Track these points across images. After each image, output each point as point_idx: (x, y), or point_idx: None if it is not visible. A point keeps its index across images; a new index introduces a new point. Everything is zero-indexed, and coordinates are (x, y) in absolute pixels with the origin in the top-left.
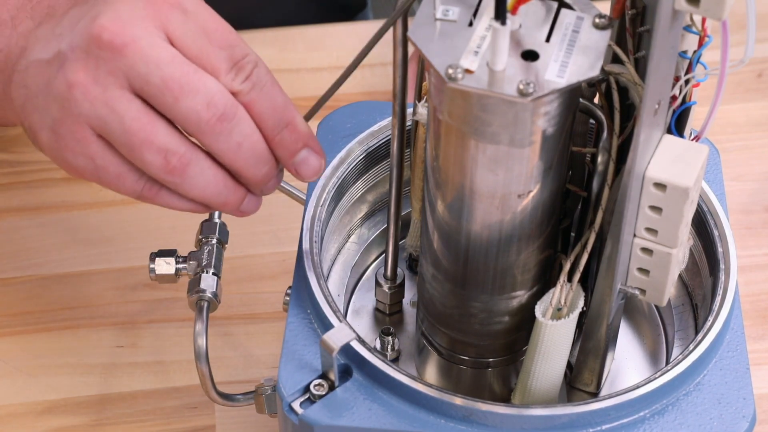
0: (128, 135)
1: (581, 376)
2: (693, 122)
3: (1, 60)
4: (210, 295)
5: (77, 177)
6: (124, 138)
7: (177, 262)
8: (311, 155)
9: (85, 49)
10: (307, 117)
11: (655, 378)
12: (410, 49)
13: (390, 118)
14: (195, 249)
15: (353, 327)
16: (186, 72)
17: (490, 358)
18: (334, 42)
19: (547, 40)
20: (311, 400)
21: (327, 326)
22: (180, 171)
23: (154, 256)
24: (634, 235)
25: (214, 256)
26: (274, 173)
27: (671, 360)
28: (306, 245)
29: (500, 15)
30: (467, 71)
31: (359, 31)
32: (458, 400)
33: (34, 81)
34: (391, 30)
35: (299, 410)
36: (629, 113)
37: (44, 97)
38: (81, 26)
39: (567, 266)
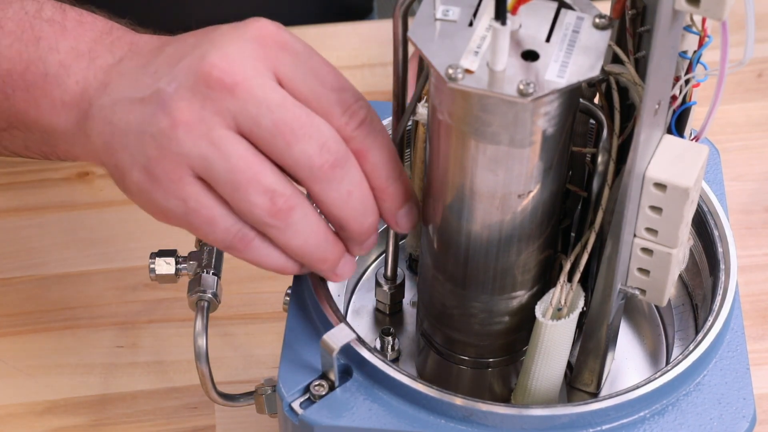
0: (234, 174)
1: (581, 376)
2: (693, 122)
3: (77, 92)
4: (210, 295)
5: (163, 220)
6: (229, 177)
7: (177, 262)
8: (413, 207)
9: (191, 88)
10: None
11: (655, 378)
12: (410, 49)
13: (390, 118)
14: (195, 249)
15: (353, 327)
16: (298, 115)
17: (490, 358)
18: (335, 42)
19: (548, 40)
20: (311, 400)
21: (327, 326)
22: (285, 214)
23: (154, 256)
24: (634, 235)
25: (214, 256)
26: (377, 227)
27: (671, 360)
28: None
29: (500, 15)
30: (467, 71)
31: (360, 32)
32: (458, 400)
33: (123, 119)
34: (391, 30)
35: (299, 410)
36: (629, 113)
37: (137, 135)
38: (185, 64)
39: (567, 266)
